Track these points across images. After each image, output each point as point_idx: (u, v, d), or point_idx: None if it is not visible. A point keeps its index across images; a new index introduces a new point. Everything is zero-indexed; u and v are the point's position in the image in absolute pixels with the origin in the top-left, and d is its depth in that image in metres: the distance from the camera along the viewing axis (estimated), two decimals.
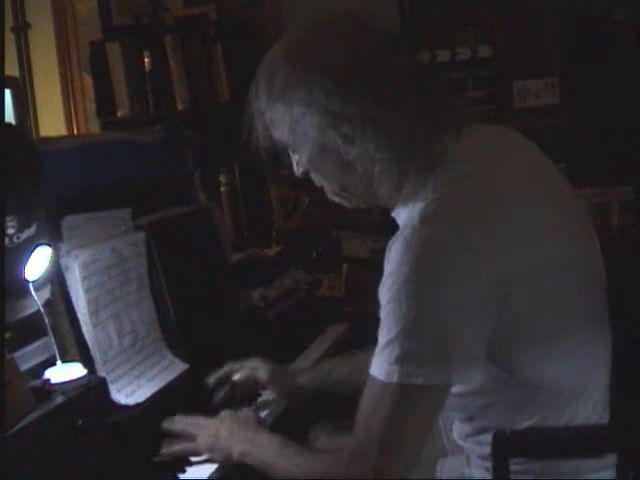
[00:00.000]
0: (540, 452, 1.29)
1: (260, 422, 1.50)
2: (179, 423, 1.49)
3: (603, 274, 1.36)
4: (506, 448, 1.23)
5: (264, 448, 1.36)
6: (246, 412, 1.58)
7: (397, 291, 1.12)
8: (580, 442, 1.28)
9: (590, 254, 1.34)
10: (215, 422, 1.46)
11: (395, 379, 1.13)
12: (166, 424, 1.50)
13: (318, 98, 1.19)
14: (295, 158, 1.33)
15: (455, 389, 1.20)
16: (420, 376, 1.12)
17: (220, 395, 1.66)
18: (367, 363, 1.20)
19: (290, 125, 1.24)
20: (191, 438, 1.45)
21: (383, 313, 1.15)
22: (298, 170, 1.33)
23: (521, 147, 1.36)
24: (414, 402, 1.14)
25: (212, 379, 1.68)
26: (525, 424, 1.25)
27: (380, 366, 1.15)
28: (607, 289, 1.36)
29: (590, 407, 1.29)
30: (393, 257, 1.14)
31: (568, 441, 1.28)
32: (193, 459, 1.41)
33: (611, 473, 1.27)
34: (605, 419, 1.32)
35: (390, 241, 1.18)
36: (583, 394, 1.28)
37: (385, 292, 1.15)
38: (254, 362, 1.70)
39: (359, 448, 1.18)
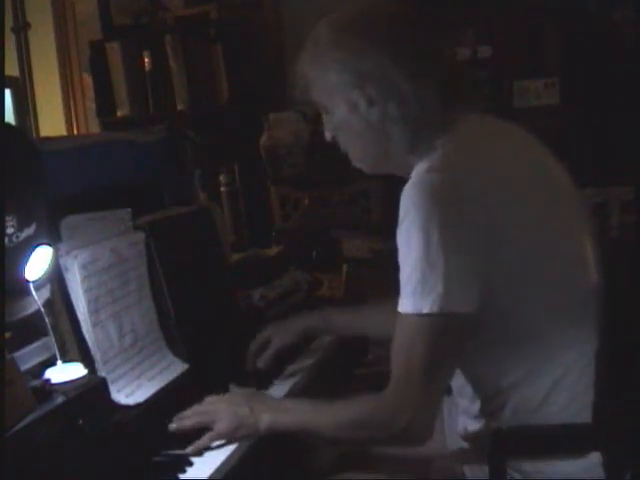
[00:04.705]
0: (536, 450, 1.30)
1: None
2: (188, 418, 1.46)
3: (595, 271, 1.39)
4: (503, 445, 1.27)
5: (294, 411, 1.42)
6: (242, 390, 1.60)
7: (406, 233, 1.24)
8: (575, 440, 1.31)
9: (585, 242, 1.40)
10: (226, 405, 1.46)
11: (410, 309, 1.24)
12: (176, 424, 1.45)
13: (350, 59, 1.33)
14: (326, 120, 1.45)
15: None
16: (427, 304, 1.22)
17: (265, 359, 1.75)
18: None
19: (325, 84, 1.38)
20: (209, 427, 1.43)
21: (400, 256, 1.27)
22: (327, 134, 1.46)
23: (527, 137, 1.45)
24: (432, 330, 1.24)
25: (254, 345, 1.77)
26: (510, 378, 1.32)
27: (400, 302, 1.27)
28: (602, 288, 1.39)
29: (575, 371, 1.34)
30: (403, 202, 1.26)
31: (565, 439, 1.29)
32: (193, 459, 1.40)
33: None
34: (589, 395, 1.35)
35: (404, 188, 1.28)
36: (567, 355, 1.33)
37: (398, 236, 1.27)
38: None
39: (400, 381, 1.27)
